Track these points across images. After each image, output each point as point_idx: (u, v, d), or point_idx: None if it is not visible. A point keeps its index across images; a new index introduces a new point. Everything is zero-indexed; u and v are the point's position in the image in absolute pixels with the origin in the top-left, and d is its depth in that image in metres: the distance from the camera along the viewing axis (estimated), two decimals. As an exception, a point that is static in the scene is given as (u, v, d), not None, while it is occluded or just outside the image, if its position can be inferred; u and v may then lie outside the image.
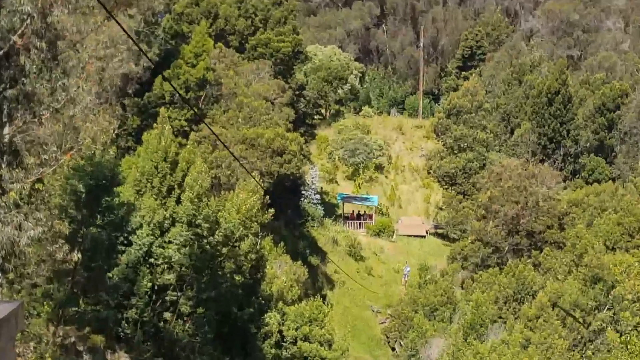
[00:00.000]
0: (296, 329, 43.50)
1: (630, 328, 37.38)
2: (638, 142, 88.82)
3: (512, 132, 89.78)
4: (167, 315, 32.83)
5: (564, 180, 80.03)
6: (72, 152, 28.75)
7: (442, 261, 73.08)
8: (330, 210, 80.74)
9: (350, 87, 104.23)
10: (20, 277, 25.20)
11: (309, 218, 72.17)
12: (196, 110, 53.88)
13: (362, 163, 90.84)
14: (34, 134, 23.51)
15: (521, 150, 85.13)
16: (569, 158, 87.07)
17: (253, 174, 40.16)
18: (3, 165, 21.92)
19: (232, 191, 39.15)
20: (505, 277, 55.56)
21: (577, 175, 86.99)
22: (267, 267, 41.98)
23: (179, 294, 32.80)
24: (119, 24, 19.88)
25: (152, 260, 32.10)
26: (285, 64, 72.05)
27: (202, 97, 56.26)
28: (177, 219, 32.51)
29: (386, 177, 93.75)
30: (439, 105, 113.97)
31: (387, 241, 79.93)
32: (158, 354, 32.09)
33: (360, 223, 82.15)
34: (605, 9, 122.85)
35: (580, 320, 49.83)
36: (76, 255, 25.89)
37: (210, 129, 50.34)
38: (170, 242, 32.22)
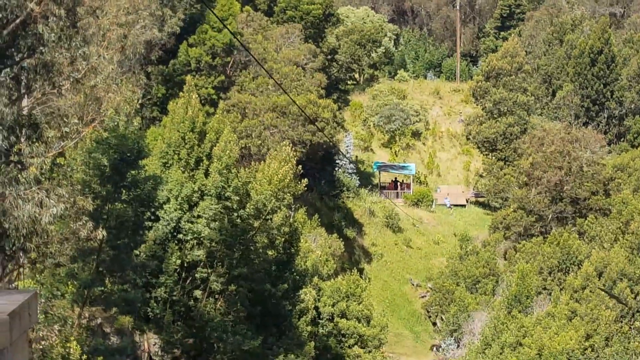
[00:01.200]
0: (333, 305, 43.32)
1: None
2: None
3: (553, 95, 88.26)
4: (197, 293, 32.78)
5: (609, 144, 79.00)
6: (95, 124, 27.85)
7: (483, 231, 72.02)
8: (365, 179, 79.52)
9: (384, 51, 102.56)
10: (43, 256, 24.94)
11: (344, 188, 70.84)
12: (240, 40, 52.23)
13: (398, 130, 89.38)
14: (54, 105, 23.11)
15: (563, 113, 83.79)
16: (613, 120, 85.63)
17: (284, 143, 38.74)
18: (22, 139, 21.57)
19: (262, 162, 38.01)
20: (550, 246, 55.35)
21: (622, 139, 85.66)
22: (301, 240, 41.56)
23: (210, 270, 32.66)
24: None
25: (180, 236, 32.11)
26: (316, 27, 70.57)
27: (230, 64, 55.08)
28: (206, 191, 31.53)
29: (424, 144, 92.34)
30: (477, 67, 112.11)
31: (426, 211, 78.64)
32: (189, 334, 32.25)
33: (397, 193, 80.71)
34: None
35: (628, 291, 48.94)
36: (101, 233, 25.77)
37: (258, 62, 49.09)
38: (199, 216, 32.01)
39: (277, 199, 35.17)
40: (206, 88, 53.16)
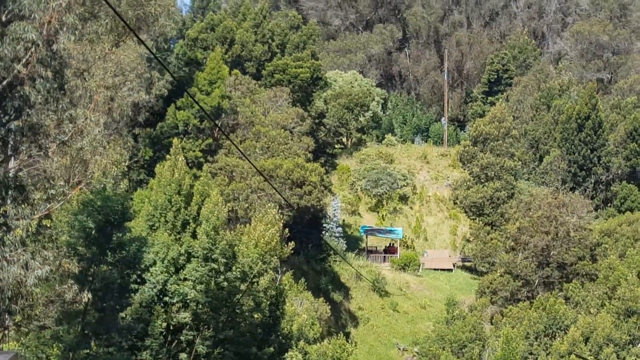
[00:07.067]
0: (319, 369, 42.54)
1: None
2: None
3: (541, 160, 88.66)
4: (182, 356, 32.39)
5: (596, 209, 79.28)
6: (81, 186, 27.86)
7: (470, 296, 71.79)
8: (353, 243, 79.22)
9: (372, 115, 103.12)
10: (28, 319, 24.68)
11: (331, 252, 70.69)
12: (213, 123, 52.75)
13: (386, 194, 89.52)
14: (41, 167, 23.07)
15: (550, 178, 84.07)
16: (600, 186, 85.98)
17: (270, 205, 38.86)
18: (8, 201, 21.51)
19: (249, 225, 38.02)
20: (536, 311, 55.33)
21: (609, 204, 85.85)
22: (288, 304, 41.28)
23: (195, 333, 32.53)
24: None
25: (166, 298, 31.93)
26: (304, 91, 71.08)
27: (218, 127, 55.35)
28: (193, 253, 31.52)
29: (411, 208, 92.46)
30: (464, 132, 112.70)
31: (412, 276, 78.38)
32: (174, 397, 31.21)
33: (384, 257, 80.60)
34: (635, 30, 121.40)
35: (614, 357, 49.08)
36: (86, 295, 25.67)
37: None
38: (185, 279, 31.51)
39: (263, 261, 35.15)
40: (193, 151, 53.34)
